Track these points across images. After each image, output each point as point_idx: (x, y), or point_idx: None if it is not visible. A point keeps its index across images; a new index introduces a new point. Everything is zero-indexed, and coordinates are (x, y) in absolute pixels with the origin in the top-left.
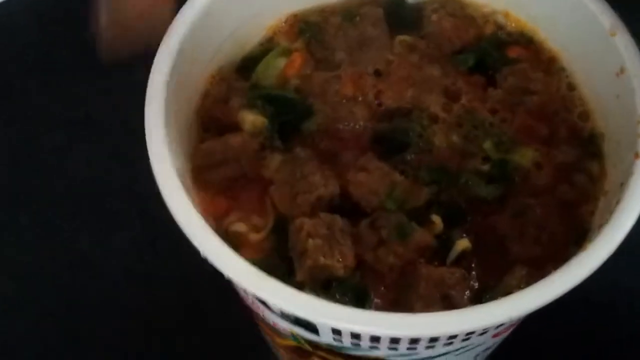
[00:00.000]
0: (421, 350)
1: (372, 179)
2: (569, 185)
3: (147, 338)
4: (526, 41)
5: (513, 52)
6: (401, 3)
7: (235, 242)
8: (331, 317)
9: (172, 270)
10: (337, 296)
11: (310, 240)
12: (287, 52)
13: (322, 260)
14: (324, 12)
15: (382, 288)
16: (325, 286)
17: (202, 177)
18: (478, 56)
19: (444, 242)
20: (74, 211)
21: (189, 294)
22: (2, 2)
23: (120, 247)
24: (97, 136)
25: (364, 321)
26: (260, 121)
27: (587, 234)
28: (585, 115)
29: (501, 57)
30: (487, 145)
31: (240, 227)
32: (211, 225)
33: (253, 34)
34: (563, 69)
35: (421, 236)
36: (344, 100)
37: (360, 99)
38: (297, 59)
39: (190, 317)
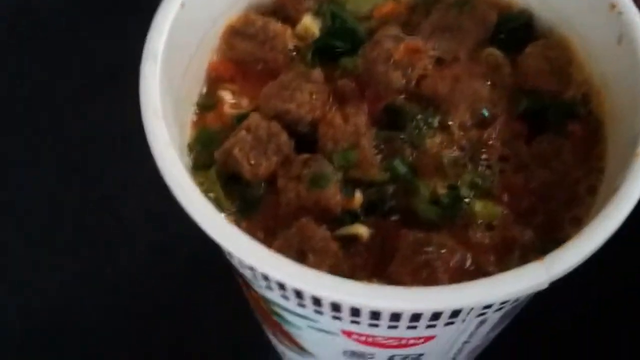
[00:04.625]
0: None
1: (344, 128)
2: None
3: (168, 274)
4: (593, 124)
5: (572, 127)
6: (518, 20)
7: (209, 104)
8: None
9: None
10: (234, 197)
11: (243, 132)
12: None
13: (236, 152)
14: None
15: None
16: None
17: (230, 38)
18: (535, 107)
19: (347, 219)
20: (97, 155)
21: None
22: None
23: (142, 188)
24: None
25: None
26: (313, 29)
27: None
28: None
29: (558, 124)
30: (465, 178)
31: (226, 95)
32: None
33: None
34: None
35: (329, 197)
36: (391, 62)
37: (406, 70)
38: (394, 7)
39: (213, 254)
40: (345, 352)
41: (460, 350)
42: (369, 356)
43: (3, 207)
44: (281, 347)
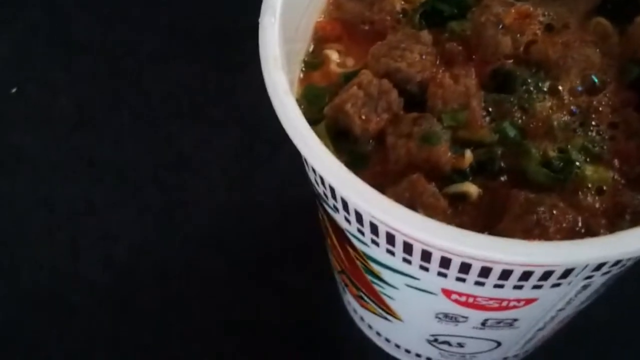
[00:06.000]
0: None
1: (454, 89)
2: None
3: (243, 234)
4: None
5: None
6: None
7: (316, 62)
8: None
9: (268, 173)
10: (342, 153)
11: (355, 88)
12: None
13: (348, 107)
14: None
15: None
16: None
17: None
18: None
19: (456, 177)
20: (175, 114)
21: (285, 195)
22: None
23: (219, 150)
24: (197, 48)
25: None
26: None
27: None
28: None
29: None
30: (576, 142)
31: (333, 54)
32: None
33: None
34: None
35: (440, 154)
36: (501, 26)
37: (515, 35)
38: None
39: (286, 218)
40: (437, 315)
41: (552, 319)
42: (461, 319)
43: (85, 163)
44: (362, 312)
